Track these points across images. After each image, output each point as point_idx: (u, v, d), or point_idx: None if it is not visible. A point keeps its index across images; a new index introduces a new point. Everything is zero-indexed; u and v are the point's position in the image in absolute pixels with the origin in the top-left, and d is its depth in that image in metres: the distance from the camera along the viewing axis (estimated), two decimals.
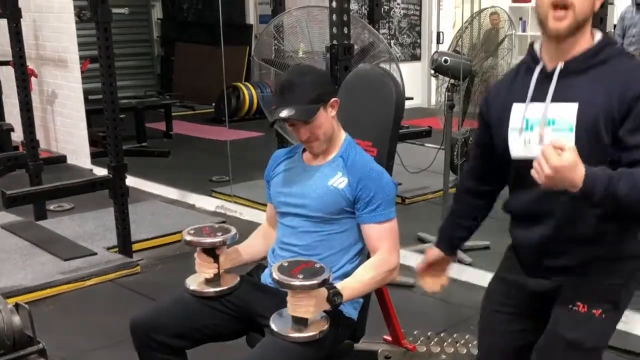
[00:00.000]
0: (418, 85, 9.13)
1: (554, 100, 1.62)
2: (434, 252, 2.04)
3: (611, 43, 1.69)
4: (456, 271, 3.77)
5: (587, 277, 1.70)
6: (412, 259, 3.96)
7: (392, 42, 9.95)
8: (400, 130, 6.16)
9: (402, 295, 3.51)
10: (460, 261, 3.92)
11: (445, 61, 4.14)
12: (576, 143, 1.52)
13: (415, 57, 10.14)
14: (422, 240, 4.30)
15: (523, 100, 1.67)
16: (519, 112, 1.67)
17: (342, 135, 2.10)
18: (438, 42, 10.30)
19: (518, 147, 1.68)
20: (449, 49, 5.41)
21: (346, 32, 3.19)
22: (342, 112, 2.11)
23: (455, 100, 4.33)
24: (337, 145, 2.08)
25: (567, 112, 1.59)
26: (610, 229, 1.65)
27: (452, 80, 4.24)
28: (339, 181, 2.02)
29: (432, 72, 4.44)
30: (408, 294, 3.61)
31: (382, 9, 9.65)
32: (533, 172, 1.50)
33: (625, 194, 1.48)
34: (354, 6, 8.90)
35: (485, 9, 5.60)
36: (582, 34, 1.63)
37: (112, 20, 3.80)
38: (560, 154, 1.45)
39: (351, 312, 2.05)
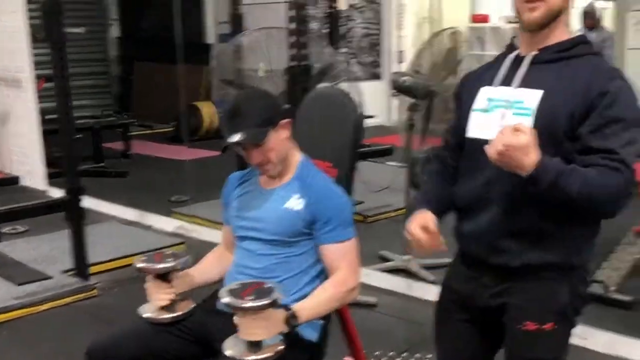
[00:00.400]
0: (379, 103, 9.18)
1: (521, 85, 1.66)
2: (430, 216, 1.77)
3: (587, 42, 1.72)
4: (418, 289, 3.78)
5: (531, 293, 1.69)
6: (375, 277, 3.96)
7: (353, 61, 10.03)
8: (362, 149, 6.25)
9: (363, 315, 3.50)
10: (422, 279, 3.94)
11: (405, 81, 4.16)
12: (534, 128, 1.55)
13: (376, 76, 10.23)
14: (384, 259, 4.29)
15: (491, 84, 1.71)
16: (485, 94, 1.71)
17: (298, 156, 2.10)
18: (399, 61, 10.43)
19: (476, 127, 1.71)
20: (408, 69, 5.45)
21: (305, 53, 3.20)
22: (301, 133, 2.11)
23: (416, 119, 4.35)
24: (292, 167, 2.07)
25: (531, 98, 1.62)
26: (552, 232, 1.65)
27: (412, 100, 4.25)
28: (295, 203, 2.01)
29: (393, 92, 4.45)
30: (370, 313, 3.60)
31: (343, 28, 9.76)
32: (486, 146, 1.53)
33: (572, 190, 1.52)
34: (314, 26, 8.94)
35: (444, 29, 5.67)
36: (557, 26, 1.66)
37: (67, 41, 3.75)
38: (517, 135, 1.49)
39: (310, 334, 2.02)
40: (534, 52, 1.68)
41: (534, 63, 1.67)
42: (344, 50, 9.74)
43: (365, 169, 6.00)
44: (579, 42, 1.69)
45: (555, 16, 1.65)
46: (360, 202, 5.36)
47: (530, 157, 1.50)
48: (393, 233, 4.58)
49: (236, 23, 5.24)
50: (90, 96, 9.73)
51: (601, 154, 1.55)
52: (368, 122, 8.02)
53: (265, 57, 4.00)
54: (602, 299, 3.63)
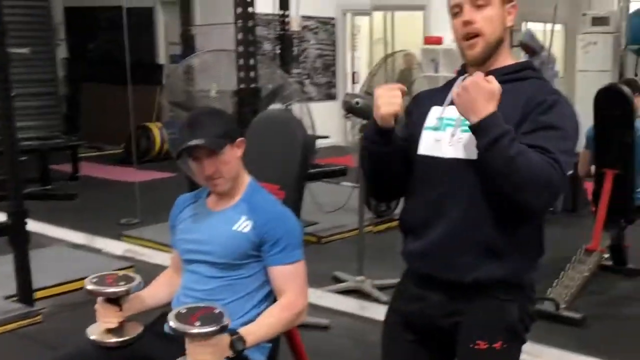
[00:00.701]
0: (334, 123, 9.23)
1: None
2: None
3: (534, 68, 1.79)
4: (372, 310, 3.76)
5: (481, 311, 1.71)
6: (328, 299, 3.94)
7: (307, 81, 10.08)
8: (316, 169, 6.23)
9: (316, 337, 3.48)
10: (375, 299, 3.93)
11: (357, 103, 4.15)
12: None
13: (331, 97, 10.30)
14: (338, 280, 4.27)
15: (442, 104, 1.74)
16: (436, 113, 1.74)
17: (246, 179, 2.09)
18: (353, 82, 10.53)
19: (428, 145, 1.73)
20: (361, 90, 5.49)
21: (253, 76, 3.21)
22: (249, 155, 2.10)
23: None
24: (241, 189, 2.06)
25: None
26: (503, 247, 1.66)
27: (364, 121, 4.27)
28: (244, 225, 1.99)
29: (344, 113, 4.45)
30: (323, 335, 3.58)
31: (297, 49, 9.81)
32: (454, 87, 1.61)
33: (513, 154, 1.52)
34: (267, 46, 8.97)
35: (395, 52, 5.74)
36: (500, 52, 1.71)
37: (11, 61, 3.66)
38: (487, 81, 1.56)
39: (258, 357, 2.00)
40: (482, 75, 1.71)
41: None
42: (297, 71, 9.80)
43: (320, 190, 6.01)
44: (525, 67, 1.75)
45: (495, 48, 1.69)
46: (315, 223, 5.35)
47: (489, 105, 1.55)
48: (347, 254, 4.57)
49: (187, 44, 5.19)
50: (38, 117, 9.51)
51: (537, 149, 1.56)
52: (323, 143, 8.09)
53: (215, 78, 4.00)
54: (553, 317, 3.68)
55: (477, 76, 1.58)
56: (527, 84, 1.70)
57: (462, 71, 1.78)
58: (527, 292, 1.75)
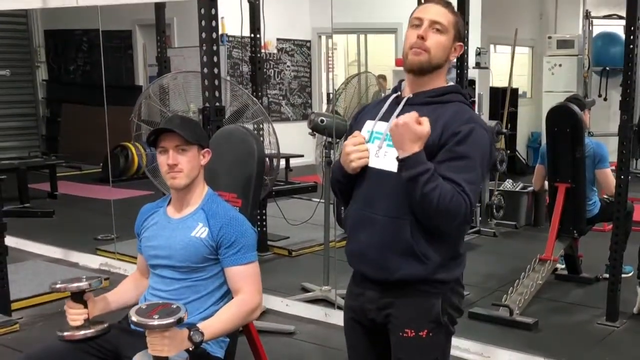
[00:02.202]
0: (309, 143, 9.42)
1: None
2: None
3: (459, 92, 1.96)
4: (336, 317, 3.94)
5: (409, 304, 1.90)
6: (295, 307, 4.11)
7: (284, 102, 10.29)
8: (288, 186, 6.36)
9: (283, 342, 3.66)
10: (339, 307, 4.10)
11: (322, 121, 4.34)
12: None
13: (306, 117, 10.42)
14: (306, 290, 4.45)
15: (374, 118, 1.94)
16: (368, 126, 1.95)
17: (205, 189, 2.28)
18: (328, 102, 10.74)
19: None
20: (327, 109, 5.68)
21: (217, 95, 3.42)
22: (210, 167, 2.30)
23: (333, 157, 4.55)
24: (199, 198, 2.25)
25: None
26: (423, 251, 1.85)
27: (329, 139, 4.46)
28: (201, 231, 2.18)
29: (310, 131, 4.64)
30: (289, 340, 3.75)
31: (273, 71, 10.03)
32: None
33: (427, 190, 1.76)
34: (245, 68, 9.19)
35: (360, 73, 5.94)
36: (436, 76, 1.91)
37: None
38: (417, 124, 1.76)
39: (217, 351, 2.18)
40: (410, 95, 1.92)
41: (409, 104, 1.91)
42: (274, 92, 10.01)
43: (293, 205, 6.20)
44: (450, 90, 1.94)
45: (434, 68, 1.90)
46: (286, 237, 5.54)
47: (414, 145, 1.77)
48: (315, 266, 4.75)
49: (163, 66, 5.37)
50: (18, 138, 9.68)
51: (448, 181, 1.79)
52: (297, 161, 8.24)
53: (183, 99, 4.20)
54: (507, 322, 3.88)
55: (410, 117, 1.77)
56: (449, 107, 1.89)
57: (396, 89, 1.98)
58: (452, 286, 1.94)
